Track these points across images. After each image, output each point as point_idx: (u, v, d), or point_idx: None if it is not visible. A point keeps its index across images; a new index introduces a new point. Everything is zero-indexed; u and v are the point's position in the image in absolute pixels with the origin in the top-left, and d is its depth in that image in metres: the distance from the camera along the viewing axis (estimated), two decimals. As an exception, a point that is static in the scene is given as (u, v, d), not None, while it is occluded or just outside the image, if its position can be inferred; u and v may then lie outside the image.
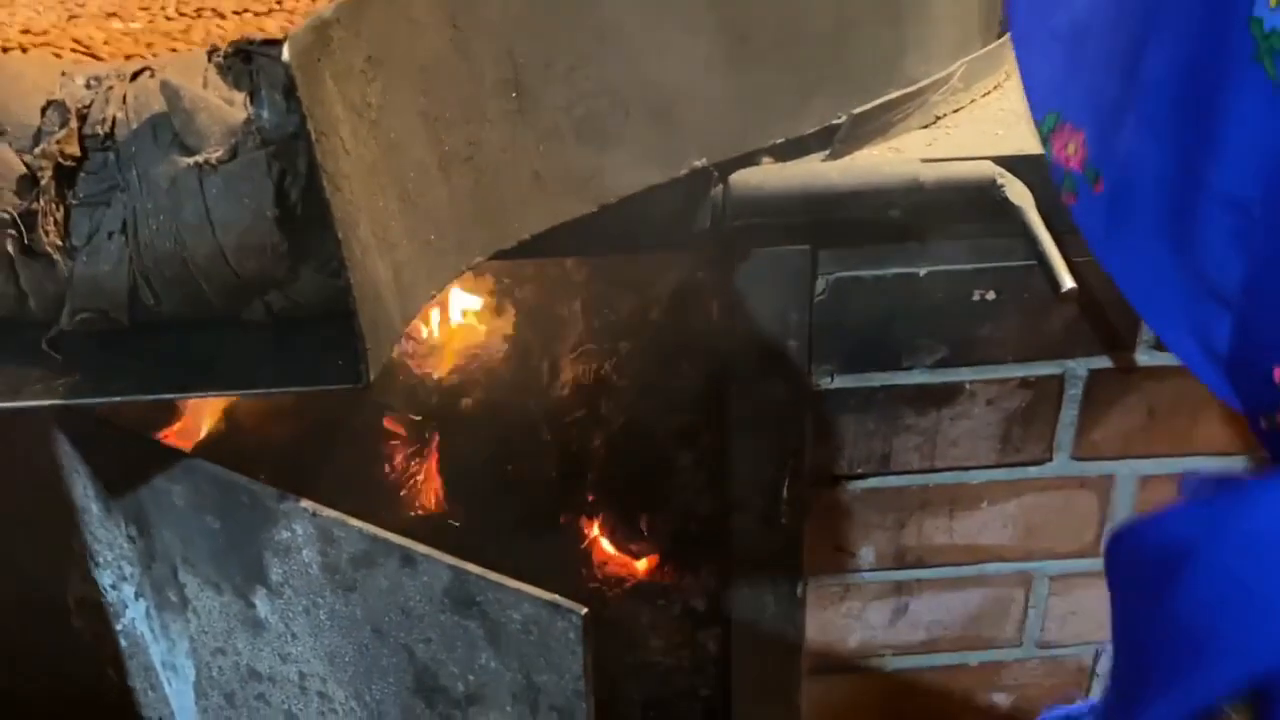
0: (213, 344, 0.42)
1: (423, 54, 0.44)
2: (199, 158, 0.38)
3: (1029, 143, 0.65)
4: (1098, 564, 0.79)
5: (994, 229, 0.65)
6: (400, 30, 0.42)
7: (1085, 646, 0.83)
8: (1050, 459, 0.75)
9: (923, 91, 0.67)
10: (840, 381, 0.70)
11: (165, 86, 0.38)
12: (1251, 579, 0.35)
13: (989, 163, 0.63)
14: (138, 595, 0.62)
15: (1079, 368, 0.72)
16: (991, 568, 0.78)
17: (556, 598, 0.45)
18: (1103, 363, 0.72)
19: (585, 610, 0.45)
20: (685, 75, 0.56)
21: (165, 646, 0.63)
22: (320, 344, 0.41)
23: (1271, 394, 0.36)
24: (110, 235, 0.39)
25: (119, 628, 0.66)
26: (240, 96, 0.39)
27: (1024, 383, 0.72)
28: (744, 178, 0.61)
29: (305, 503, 0.47)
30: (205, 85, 0.39)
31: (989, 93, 0.74)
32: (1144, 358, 0.72)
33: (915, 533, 0.76)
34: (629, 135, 0.55)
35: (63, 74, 0.40)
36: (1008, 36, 0.77)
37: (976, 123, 0.70)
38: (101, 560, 0.63)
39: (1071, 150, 0.41)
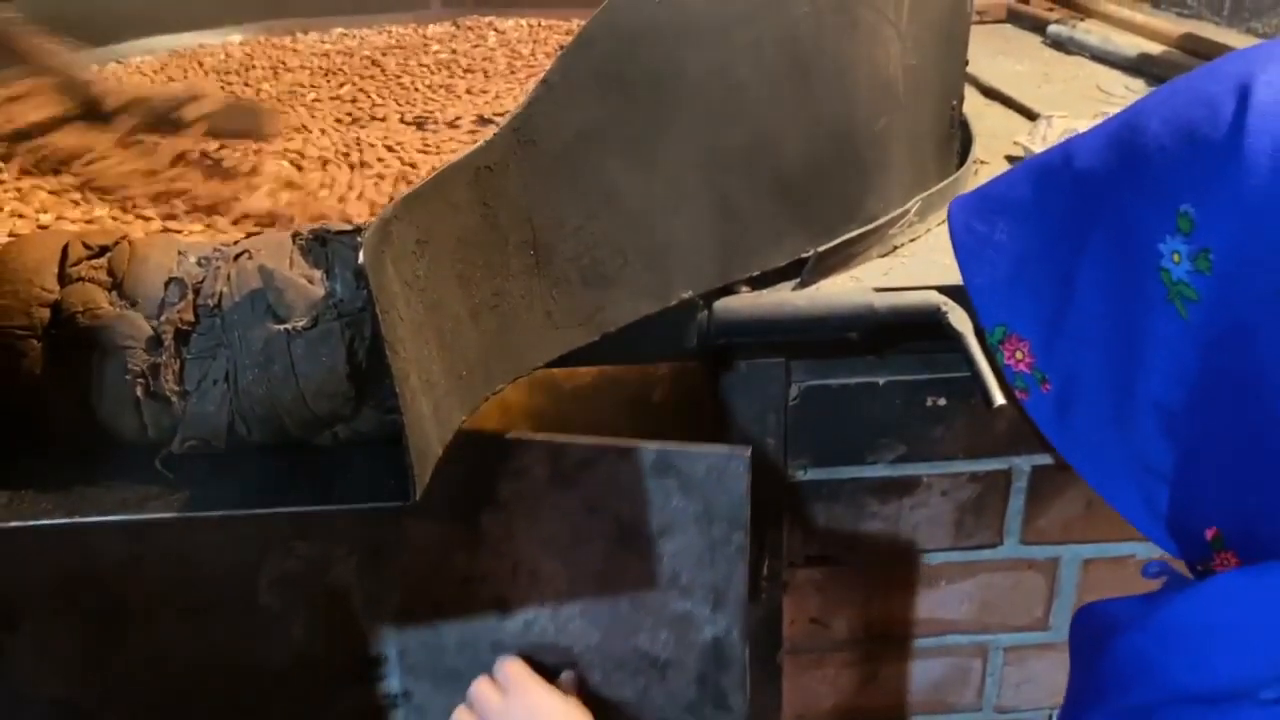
0: (291, 465, 0.53)
1: (459, 229, 0.55)
2: (287, 326, 0.49)
3: (972, 272, 0.76)
4: (1047, 637, 0.89)
5: (942, 346, 0.76)
6: (443, 214, 0.53)
7: (1038, 711, 0.92)
8: (1001, 543, 0.85)
9: (880, 228, 0.78)
10: (813, 474, 0.81)
11: (262, 269, 0.50)
12: (1155, 657, 0.46)
13: (934, 292, 0.73)
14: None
15: (1023, 464, 0.82)
16: (951, 639, 0.88)
17: (730, 448, 0.66)
18: (1044, 460, 0.82)
19: (749, 450, 0.66)
20: (674, 226, 0.67)
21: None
22: (377, 467, 0.52)
23: (1204, 549, 0.47)
24: (215, 382, 0.50)
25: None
26: (318, 274, 0.51)
27: (974, 477, 0.82)
28: (725, 304, 0.72)
29: (541, 435, 0.65)
30: (291, 264, 0.51)
31: (944, 222, 0.85)
32: (1080, 455, 0.82)
33: (882, 607, 0.86)
34: (626, 276, 0.66)
35: (179, 253, 0.52)
36: (964, 168, 0.89)
37: (929, 252, 0.81)
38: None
39: (1019, 356, 0.52)
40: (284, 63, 1.35)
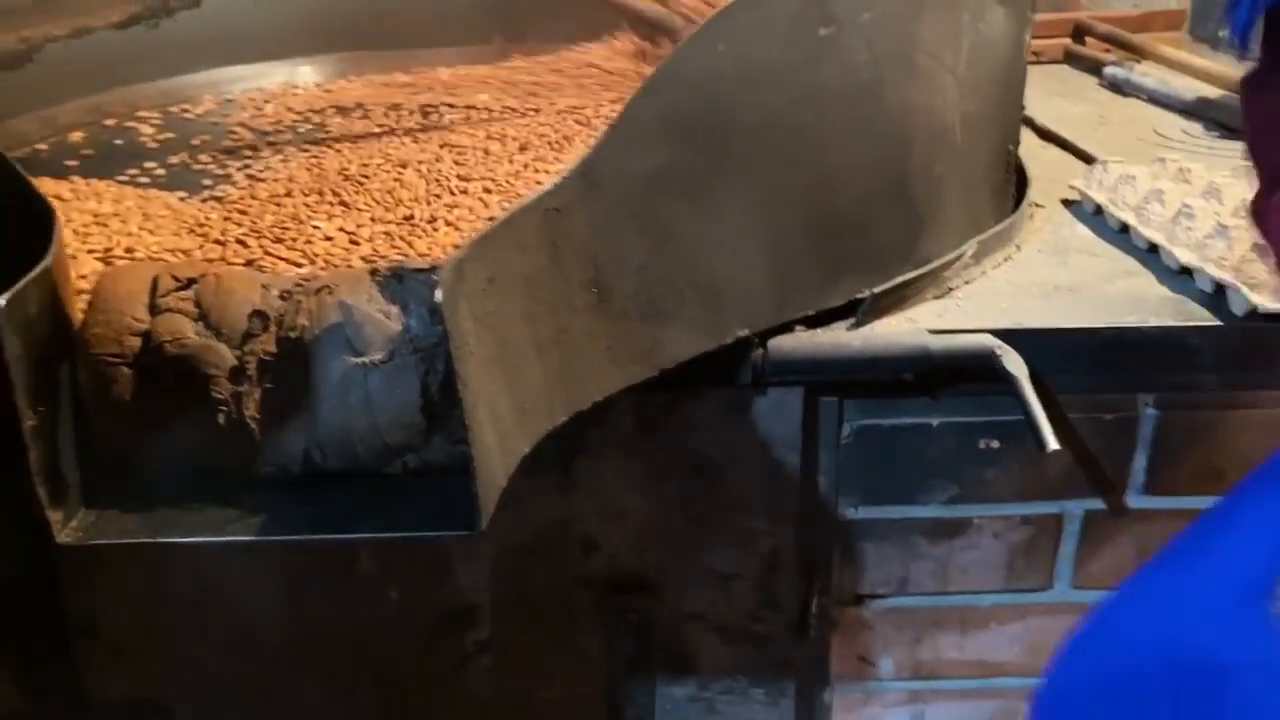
0: (362, 492, 0.55)
1: (527, 268, 0.57)
2: (365, 359, 0.51)
3: (1027, 316, 0.77)
4: (1097, 682, 0.88)
5: (996, 388, 0.76)
6: (512, 253, 0.55)
7: (1087, 757, 0.91)
8: (1051, 587, 0.84)
9: (935, 270, 0.79)
10: (864, 513, 0.81)
11: (342, 305, 0.52)
12: None
13: (988, 335, 0.74)
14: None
15: (1076, 508, 0.82)
16: (999, 681, 0.88)
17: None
18: (1096, 505, 0.82)
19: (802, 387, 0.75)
20: (732, 266, 0.69)
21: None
22: (445, 495, 0.53)
23: None
24: (294, 412, 0.52)
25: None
26: (395, 310, 0.53)
27: (1026, 520, 0.82)
28: (780, 343, 0.73)
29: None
30: (369, 298, 0.53)
31: (1000, 265, 0.86)
32: (1134, 501, 0.82)
33: (930, 648, 0.86)
34: (684, 314, 0.67)
35: (263, 286, 0.54)
36: (1020, 212, 0.90)
37: (984, 295, 0.81)
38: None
39: None
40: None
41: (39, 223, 0.53)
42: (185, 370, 0.51)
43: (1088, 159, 1.10)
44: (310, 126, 1.31)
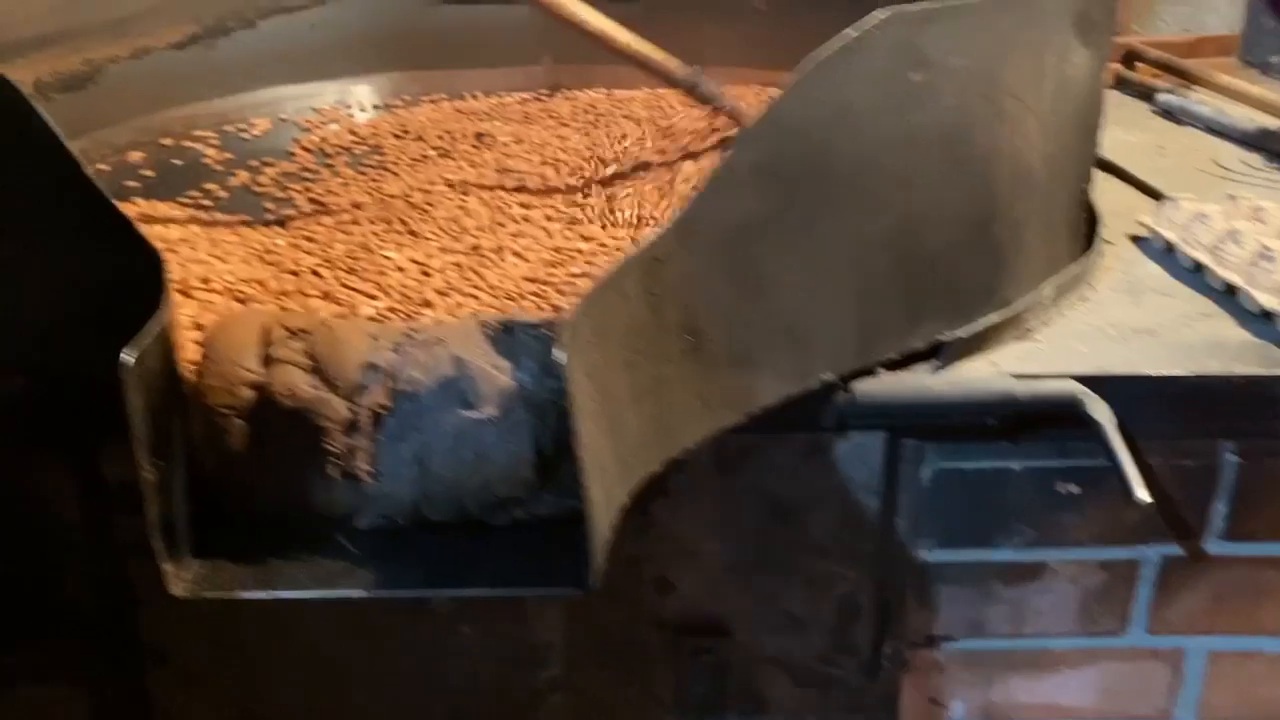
0: (469, 544, 0.55)
1: (628, 318, 0.57)
2: (478, 415, 0.51)
3: (1109, 361, 0.76)
4: (1170, 728, 0.87)
5: (1077, 433, 0.76)
6: (616, 305, 0.55)
7: (1158, 802, 0.90)
8: (1125, 631, 0.84)
9: (1016, 313, 0.79)
10: (939, 555, 0.81)
11: (456, 359, 0.52)
12: None
13: (1073, 382, 0.74)
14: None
15: (1152, 554, 0.81)
16: (1071, 726, 0.87)
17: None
18: (1174, 550, 0.81)
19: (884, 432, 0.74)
20: (819, 310, 0.69)
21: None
22: (552, 548, 0.53)
23: None
24: (406, 465, 0.52)
25: None
26: (506, 364, 0.53)
27: (1102, 565, 0.81)
28: (864, 387, 0.73)
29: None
30: (480, 352, 0.53)
31: (1075, 305, 0.85)
32: (1212, 547, 0.81)
33: (1002, 691, 0.85)
34: (773, 360, 0.67)
35: (373, 337, 0.54)
36: (1092, 253, 0.89)
37: (1064, 337, 0.81)
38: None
39: None
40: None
41: (145, 269, 0.53)
42: (299, 423, 0.51)
43: (1152, 193, 1.10)
44: (367, 148, 1.31)
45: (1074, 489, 0.79)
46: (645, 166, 1.19)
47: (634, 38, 1.16)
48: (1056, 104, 0.78)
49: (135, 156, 1.26)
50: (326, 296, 0.83)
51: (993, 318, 0.77)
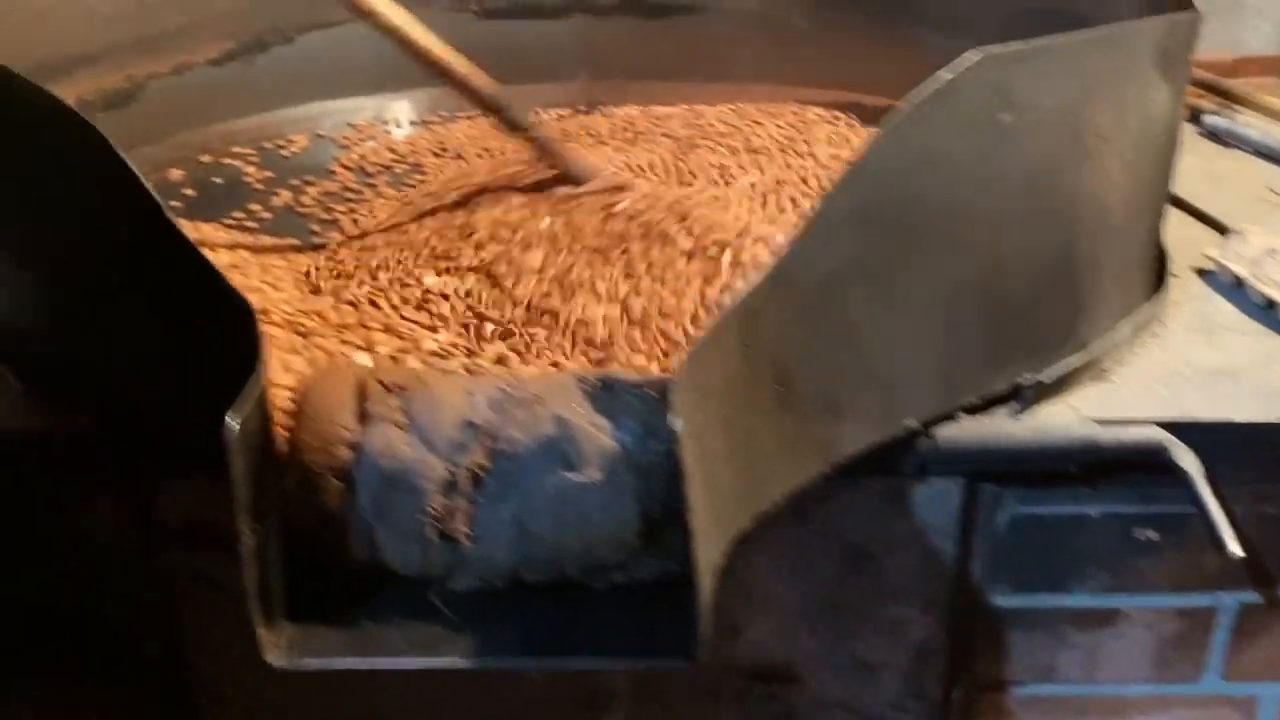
0: (567, 608, 0.53)
1: (725, 372, 0.55)
2: (580, 478, 0.49)
3: (1192, 406, 0.75)
4: (1242, 775, 0.85)
5: (1158, 479, 0.74)
6: (716, 361, 0.54)
7: None
8: (1200, 678, 0.82)
9: (1096, 355, 0.77)
10: (1013, 601, 0.79)
11: (557, 419, 0.50)
12: None
13: (1159, 429, 0.72)
14: None
15: (1231, 600, 0.79)
16: (1141, 772, 0.85)
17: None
18: (1252, 597, 0.79)
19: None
20: (905, 356, 0.67)
21: None
22: (655, 615, 0.52)
23: None
24: (504, 527, 0.50)
25: None
26: (607, 423, 0.51)
27: (1179, 612, 0.80)
28: (946, 433, 0.71)
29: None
30: (580, 410, 0.51)
31: (1149, 344, 0.83)
32: (1291, 594, 0.79)
33: (1073, 737, 0.84)
34: (859, 407, 0.66)
35: (469, 393, 0.53)
36: (1164, 289, 0.87)
37: (1142, 379, 0.79)
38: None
39: None
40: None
41: (233, 321, 0.52)
42: (396, 483, 0.49)
43: (1213, 224, 1.08)
44: (407, 167, 1.30)
45: (1152, 535, 0.77)
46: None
47: (446, 49, 1.03)
48: (1137, 141, 0.77)
49: (176, 174, 1.24)
50: (388, 330, 0.81)
51: (1072, 360, 0.75)
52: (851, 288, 0.63)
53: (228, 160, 1.28)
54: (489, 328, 0.78)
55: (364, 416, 0.51)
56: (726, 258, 0.88)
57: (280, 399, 0.54)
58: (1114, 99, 0.73)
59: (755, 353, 0.58)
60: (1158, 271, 0.91)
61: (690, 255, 0.88)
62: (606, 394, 0.52)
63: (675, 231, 0.90)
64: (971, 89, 0.64)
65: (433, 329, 0.82)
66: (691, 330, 0.79)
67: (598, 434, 0.50)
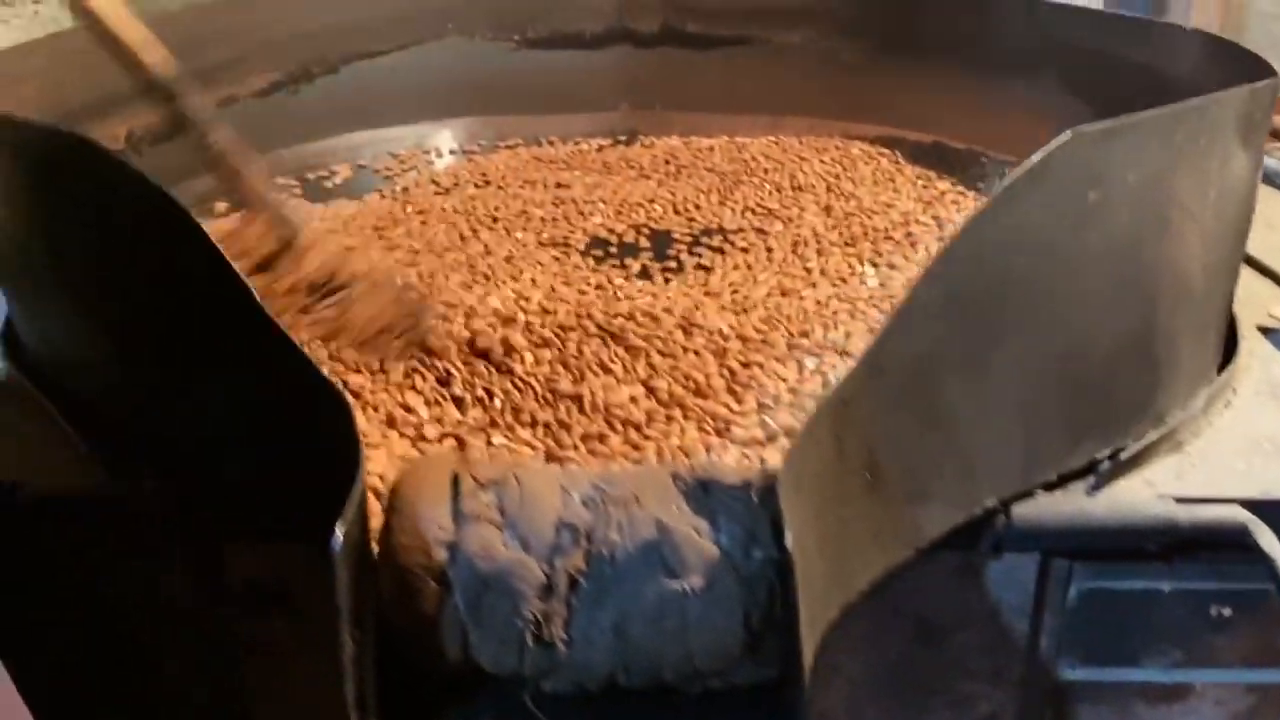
0: (661, 710, 0.52)
1: (818, 464, 0.54)
2: (681, 585, 0.48)
3: (1270, 482, 0.73)
4: None
5: (1234, 556, 0.73)
6: (810, 455, 0.53)
7: None
8: (1269, 754, 0.81)
9: (1173, 429, 0.76)
10: (1082, 674, 0.78)
11: (659, 524, 0.49)
12: None
13: (1241, 509, 0.71)
14: None
15: (1304, 677, 0.78)
16: (1206, 847, 0.84)
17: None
18: (1325, 674, 0.78)
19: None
20: (989, 436, 0.66)
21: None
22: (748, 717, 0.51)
23: None
24: (602, 632, 0.49)
25: None
26: (705, 525, 0.50)
27: (1251, 688, 0.78)
28: (1023, 511, 0.70)
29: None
30: (678, 510, 0.50)
31: (1222, 412, 0.82)
32: (1365, 672, 0.78)
33: (1138, 810, 0.82)
34: (943, 491, 0.64)
35: (563, 489, 0.52)
36: (1238, 357, 0.86)
37: (1217, 451, 0.78)
38: None
39: None
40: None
41: (327, 414, 0.51)
42: (493, 586, 0.49)
43: (1275, 278, 1.07)
44: (455, 204, 1.29)
45: (1226, 611, 0.76)
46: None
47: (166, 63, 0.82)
48: (1216, 210, 0.76)
49: (220, 207, 1.24)
50: (449, 379, 0.80)
51: (1150, 436, 0.74)
52: (939, 371, 0.62)
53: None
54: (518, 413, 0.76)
55: (459, 516, 0.50)
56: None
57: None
58: (1197, 170, 0.72)
59: (847, 442, 0.57)
60: (1229, 335, 0.89)
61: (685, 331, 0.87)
62: (703, 493, 0.51)
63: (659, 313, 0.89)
64: (1062, 168, 0.63)
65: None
66: (735, 406, 0.78)
67: (698, 538, 0.49)
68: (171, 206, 0.58)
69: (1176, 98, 1.05)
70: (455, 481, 0.52)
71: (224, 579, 0.73)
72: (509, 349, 0.79)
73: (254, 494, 0.66)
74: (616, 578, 0.49)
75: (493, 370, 0.78)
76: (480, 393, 0.76)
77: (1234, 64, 0.96)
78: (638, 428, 0.72)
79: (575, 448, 0.70)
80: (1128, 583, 0.75)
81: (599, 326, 0.86)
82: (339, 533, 0.44)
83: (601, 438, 0.71)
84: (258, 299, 0.52)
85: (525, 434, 0.72)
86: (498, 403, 0.75)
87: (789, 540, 0.44)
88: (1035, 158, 0.61)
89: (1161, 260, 0.72)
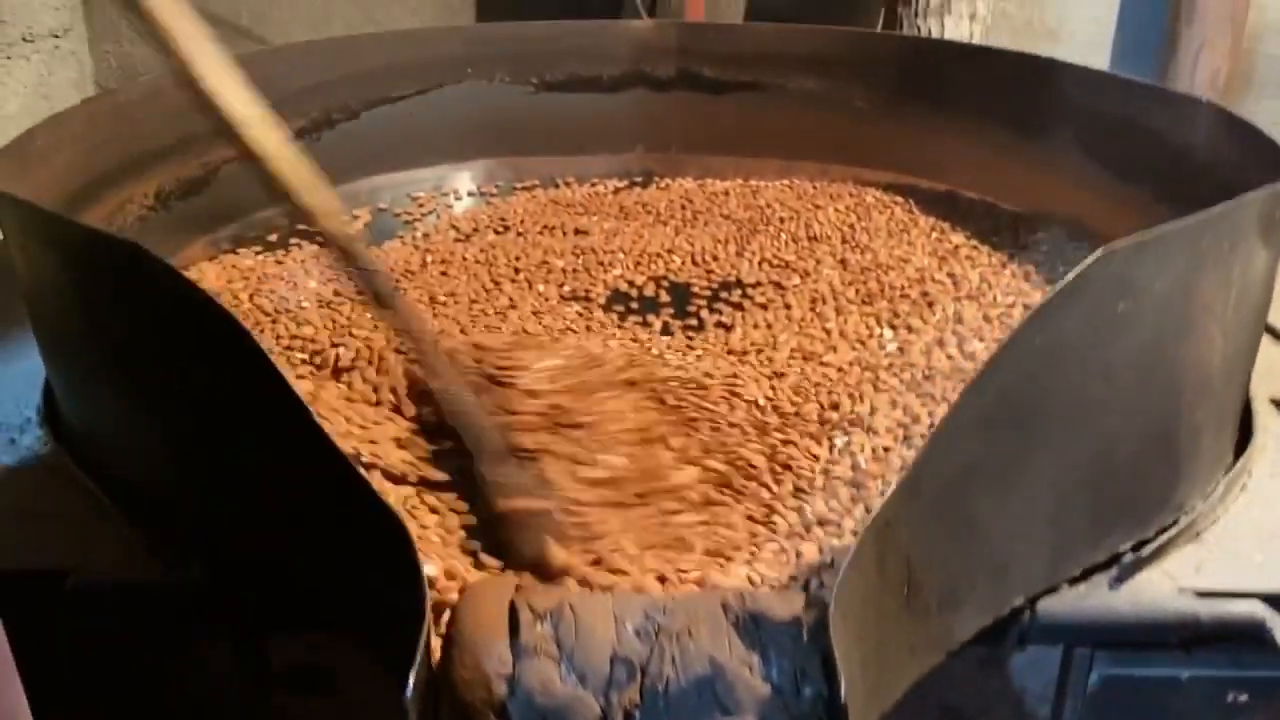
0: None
1: (861, 587, 0.56)
2: (736, 721, 0.50)
3: (1287, 574, 0.76)
4: None
5: (1251, 645, 0.75)
6: (854, 578, 0.54)
7: None
8: (1282, 831, 0.83)
9: (1193, 519, 0.78)
10: (1101, 757, 0.80)
11: (713, 661, 0.51)
12: None
13: (1259, 604, 0.73)
14: None
15: (1316, 760, 0.80)
16: None
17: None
18: (1338, 757, 0.80)
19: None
20: (1019, 541, 0.68)
21: None
22: None
23: None
24: (659, 765, 0.51)
25: None
26: (755, 659, 0.52)
27: (1265, 770, 0.80)
28: (1048, 607, 0.72)
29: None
30: (729, 645, 0.52)
31: (1238, 496, 0.84)
32: (1377, 753, 0.80)
33: None
34: (975, 596, 0.66)
35: (617, 619, 0.53)
36: (1255, 436, 0.88)
37: (1235, 540, 0.80)
38: None
39: None
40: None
41: (383, 536, 0.53)
42: (550, 716, 0.50)
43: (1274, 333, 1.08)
44: (476, 252, 1.30)
45: (1243, 697, 0.78)
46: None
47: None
48: (1238, 306, 0.77)
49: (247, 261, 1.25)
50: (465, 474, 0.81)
51: (1171, 530, 0.76)
52: (974, 485, 0.63)
53: (294, 240, 1.29)
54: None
55: (518, 649, 0.52)
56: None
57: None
58: (1221, 272, 0.74)
59: (889, 562, 0.59)
60: (1245, 417, 0.91)
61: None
62: (754, 626, 0.53)
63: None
64: (1094, 284, 0.64)
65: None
66: (774, 488, 0.80)
67: (750, 676, 0.51)
68: (224, 319, 0.60)
69: (1189, 169, 1.08)
70: (513, 612, 0.53)
71: (268, 665, 0.75)
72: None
73: (294, 583, 0.68)
74: (670, 713, 0.51)
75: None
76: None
77: (1246, 143, 0.98)
78: (695, 509, 0.75)
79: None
80: (1147, 670, 0.77)
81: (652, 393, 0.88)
82: (411, 681, 0.45)
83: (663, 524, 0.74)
84: (314, 417, 0.54)
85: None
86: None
87: (843, 691, 0.45)
88: (1069, 276, 0.63)
89: (1185, 360, 0.74)
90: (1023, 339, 0.62)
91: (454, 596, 0.60)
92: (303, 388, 0.92)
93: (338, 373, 0.96)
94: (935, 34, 1.53)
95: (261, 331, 1.05)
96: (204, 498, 0.69)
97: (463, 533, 0.73)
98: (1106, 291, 0.66)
